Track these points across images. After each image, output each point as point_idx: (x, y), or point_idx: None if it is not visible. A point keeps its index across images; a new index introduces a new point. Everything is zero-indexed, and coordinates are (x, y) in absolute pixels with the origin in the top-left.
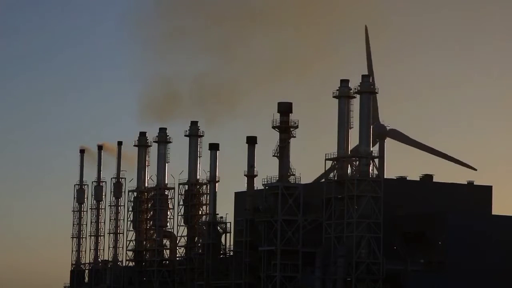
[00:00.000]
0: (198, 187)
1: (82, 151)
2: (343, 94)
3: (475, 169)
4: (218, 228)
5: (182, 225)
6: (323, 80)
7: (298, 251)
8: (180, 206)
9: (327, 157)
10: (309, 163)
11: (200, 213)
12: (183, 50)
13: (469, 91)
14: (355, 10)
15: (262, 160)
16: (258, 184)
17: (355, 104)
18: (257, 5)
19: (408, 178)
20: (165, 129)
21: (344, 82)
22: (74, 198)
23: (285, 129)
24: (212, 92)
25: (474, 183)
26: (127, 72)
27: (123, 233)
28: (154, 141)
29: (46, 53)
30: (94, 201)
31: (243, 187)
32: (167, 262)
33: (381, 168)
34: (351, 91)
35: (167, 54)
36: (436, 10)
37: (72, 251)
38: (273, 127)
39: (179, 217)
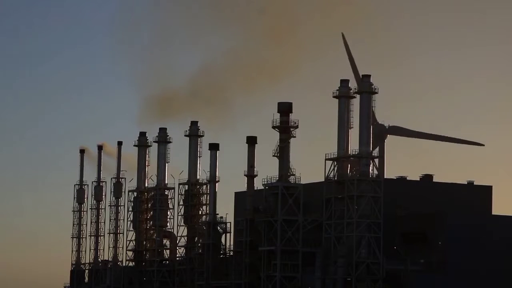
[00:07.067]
0: (198, 187)
1: (82, 151)
2: (343, 94)
3: (482, 145)
4: (218, 228)
5: (182, 225)
6: (323, 80)
7: (298, 251)
8: (180, 206)
9: (327, 157)
10: (309, 163)
11: (200, 213)
12: (183, 50)
13: (468, 92)
14: (354, 10)
15: (262, 160)
16: (258, 184)
17: (355, 104)
18: (257, 4)
19: (408, 178)
20: (165, 129)
21: (344, 82)
22: (74, 198)
23: (285, 129)
24: (212, 92)
25: (474, 183)
26: (127, 72)
27: (123, 233)
28: (154, 141)
29: (46, 53)
30: (94, 201)
31: (243, 187)
32: (167, 262)
33: (381, 168)
34: (351, 91)
35: (167, 54)
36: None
37: (72, 251)
38: (273, 127)
39: (179, 217)
